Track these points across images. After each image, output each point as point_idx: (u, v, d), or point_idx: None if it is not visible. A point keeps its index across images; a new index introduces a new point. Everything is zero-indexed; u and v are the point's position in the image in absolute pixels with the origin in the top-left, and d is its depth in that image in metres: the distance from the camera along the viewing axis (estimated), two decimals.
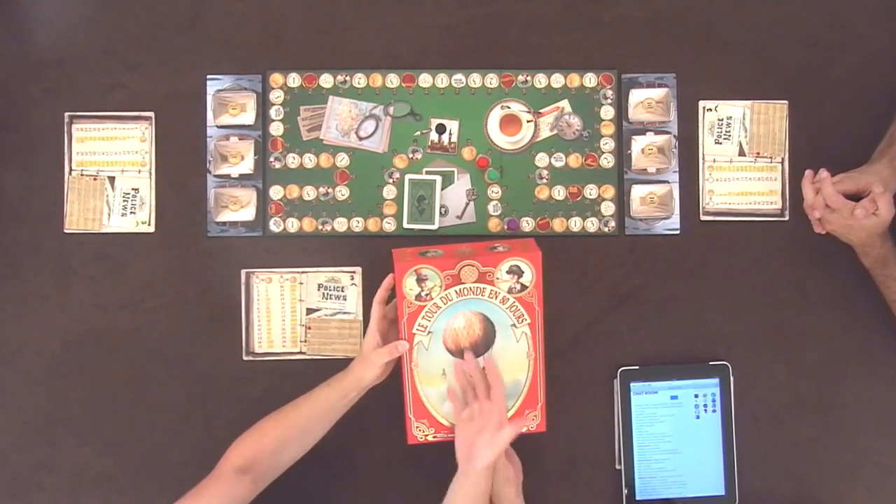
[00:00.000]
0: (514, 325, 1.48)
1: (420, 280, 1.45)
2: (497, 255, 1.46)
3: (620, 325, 1.67)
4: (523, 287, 1.47)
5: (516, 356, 1.49)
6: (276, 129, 1.68)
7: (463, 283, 1.46)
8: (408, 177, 1.66)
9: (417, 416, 1.50)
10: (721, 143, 1.68)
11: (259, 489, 1.44)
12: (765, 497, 1.65)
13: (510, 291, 1.47)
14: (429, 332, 1.47)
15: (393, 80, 1.68)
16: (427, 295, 1.45)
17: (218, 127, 1.67)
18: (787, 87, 1.68)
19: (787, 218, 1.67)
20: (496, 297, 1.47)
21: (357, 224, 1.67)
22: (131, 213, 1.66)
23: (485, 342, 1.48)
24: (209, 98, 1.67)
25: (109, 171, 1.67)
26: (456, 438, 1.46)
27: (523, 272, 1.46)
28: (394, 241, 1.63)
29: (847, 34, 1.68)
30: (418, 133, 1.68)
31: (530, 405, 1.51)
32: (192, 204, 1.67)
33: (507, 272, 1.46)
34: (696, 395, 1.64)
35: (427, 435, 1.51)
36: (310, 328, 1.65)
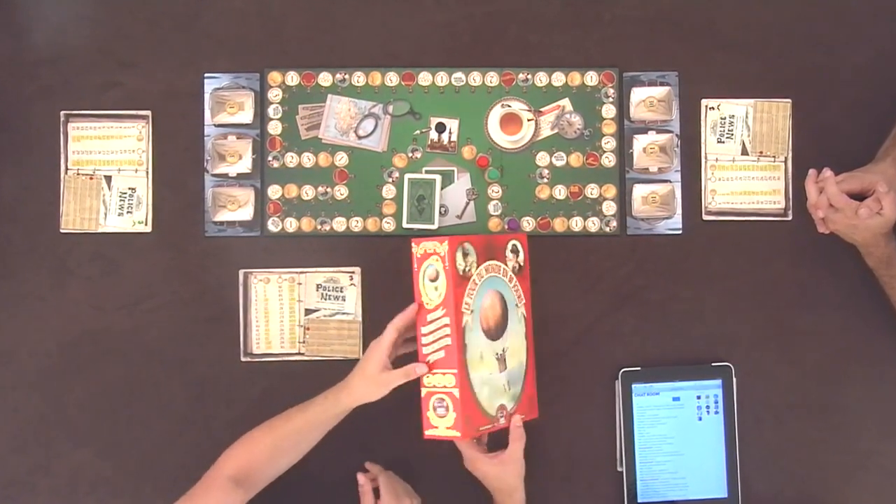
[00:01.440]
0: (517, 304, 1.51)
1: (464, 254, 1.44)
2: (499, 234, 1.49)
3: (622, 325, 1.66)
4: (520, 267, 1.51)
5: (520, 338, 1.52)
6: (275, 127, 1.66)
7: (489, 260, 1.47)
8: (407, 176, 1.65)
9: (468, 405, 1.44)
10: (723, 142, 1.66)
11: (250, 496, 1.43)
12: (767, 499, 1.64)
13: (514, 270, 1.50)
14: (471, 311, 1.45)
15: (392, 78, 1.66)
16: (468, 270, 1.44)
17: (216, 126, 1.66)
18: (791, 86, 1.67)
19: (790, 218, 1.66)
20: (506, 276, 1.50)
21: (356, 224, 1.65)
22: (128, 212, 1.65)
23: (503, 322, 1.49)
24: (207, 97, 1.65)
25: (106, 171, 1.65)
26: None
27: (519, 251, 1.51)
28: (393, 241, 1.63)
29: (851, 32, 1.67)
30: (418, 132, 1.66)
31: (529, 390, 1.52)
32: (189, 203, 1.65)
33: (510, 251, 1.50)
34: (699, 397, 1.63)
35: (478, 427, 1.46)
36: (308, 329, 1.64)
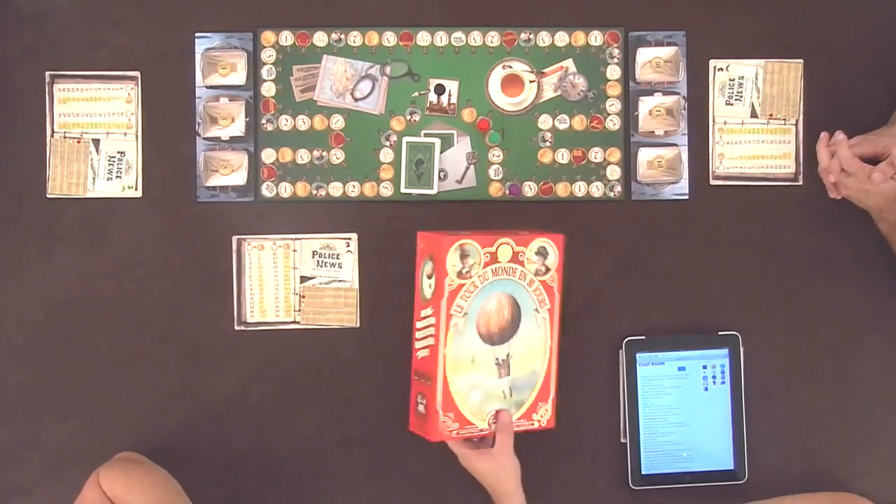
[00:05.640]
0: (536, 309, 1.44)
1: (463, 255, 1.38)
2: (528, 234, 1.42)
3: (626, 293, 1.63)
4: (547, 269, 1.44)
5: (537, 344, 1.45)
6: (268, 89, 1.62)
7: (499, 262, 1.41)
8: (405, 139, 1.61)
9: (445, 408, 1.40)
10: (732, 105, 1.63)
11: None
12: (775, 471, 1.61)
13: (536, 273, 1.43)
14: (465, 314, 1.39)
15: (390, 38, 1.62)
16: (467, 272, 1.39)
17: (207, 87, 1.61)
18: (803, 46, 1.62)
19: (800, 182, 1.62)
20: (525, 279, 1.43)
21: (353, 189, 1.61)
22: (117, 177, 1.61)
23: (511, 328, 1.43)
24: (198, 57, 1.61)
25: (94, 134, 1.61)
26: None
27: (548, 254, 1.44)
28: (391, 207, 1.60)
29: None
30: (416, 94, 1.62)
31: (543, 398, 1.47)
32: (180, 168, 1.61)
33: (536, 253, 1.43)
34: (705, 367, 1.60)
35: (452, 430, 1.42)
36: (304, 297, 1.61)
